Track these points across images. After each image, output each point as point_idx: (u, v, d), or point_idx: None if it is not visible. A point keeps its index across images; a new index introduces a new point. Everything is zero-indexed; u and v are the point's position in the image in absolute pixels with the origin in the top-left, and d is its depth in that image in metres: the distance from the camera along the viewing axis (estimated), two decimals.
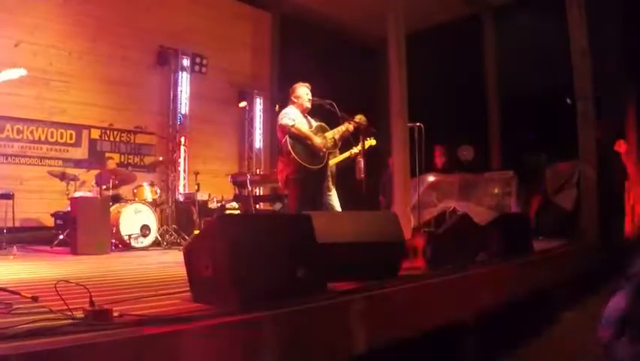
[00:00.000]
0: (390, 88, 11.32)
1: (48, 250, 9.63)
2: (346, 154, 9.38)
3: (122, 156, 13.58)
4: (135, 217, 10.28)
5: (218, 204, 12.10)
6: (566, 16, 11.64)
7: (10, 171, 11.65)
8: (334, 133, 7.30)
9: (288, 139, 7.22)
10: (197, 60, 14.89)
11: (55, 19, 12.45)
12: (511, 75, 15.23)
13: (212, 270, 3.63)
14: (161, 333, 2.75)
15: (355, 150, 9.49)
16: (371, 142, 9.61)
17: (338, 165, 8.77)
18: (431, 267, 5.54)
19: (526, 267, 7.06)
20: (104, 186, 10.59)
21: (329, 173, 7.56)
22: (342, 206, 7.87)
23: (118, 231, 9.96)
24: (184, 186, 14.32)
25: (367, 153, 9.29)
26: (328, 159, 7.35)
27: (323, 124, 7.49)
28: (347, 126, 7.34)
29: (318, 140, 7.23)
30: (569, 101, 12.55)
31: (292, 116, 7.30)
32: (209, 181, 12.65)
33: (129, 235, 10.07)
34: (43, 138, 12.27)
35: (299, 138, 7.19)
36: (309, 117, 7.56)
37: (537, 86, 13.67)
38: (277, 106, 8.31)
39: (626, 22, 12.17)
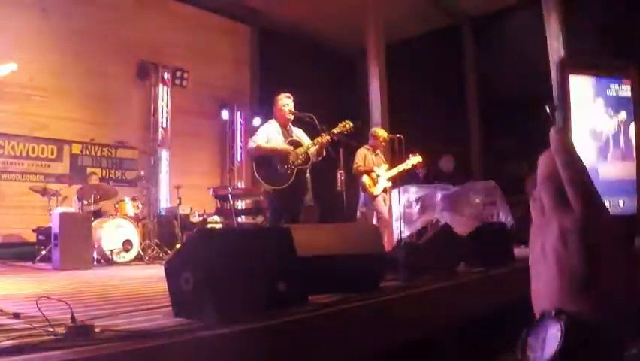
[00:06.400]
0: (370, 99, 11.38)
1: (30, 266, 9.60)
2: (400, 168, 9.54)
3: (104, 171, 13.55)
4: (117, 232, 10.25)
5: (200, 218, 12.10)
6: (545, 26, 11.73)
7: None
8: (307, 148, 7.28)
9: (253, 162, 7.33)
10: (178, 74, 14.91)
11: (36, 34, 12.43)
12: (491, 85, 15.34)
13: (192, 284, 3.65)
14: (142, 348, 2.76)
15: (410, 162, 9.67)
16: (418, 159, 9.78)
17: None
18: (411, 278, 5.56)
19: (508, 276, 7.09)
20: (85, 202, 10.56)
21: (308, 186, 7.56)
22: (321, 218, 7.94)
23: (100, 246, 9.93)
24: (166, 200, 14.32)
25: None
26: (299, 174, 7.27)
27: (299, 137, 7.48)
28: (322, 138, 7.28)
29: (284, 151, 7.23)
30: (547, 109, 12.64)
31: (261, 136, 7.36)
32: (190, 195, 12.64)
33: (111, 250, 10.04)
34: (24, 154, 12.25)
35: (264, 159, 7.23)
36: (291, 128, 7.56)
37: (518, 94, 13.77)
38: (259, 120, 8.36)
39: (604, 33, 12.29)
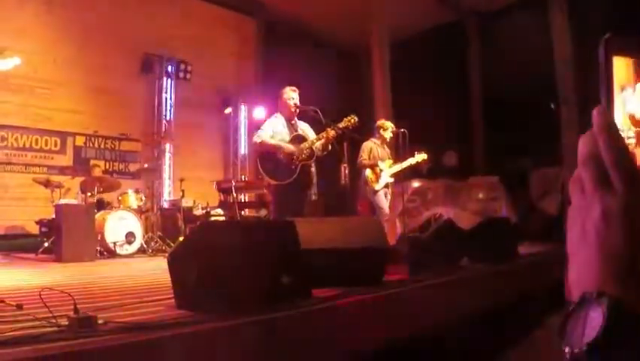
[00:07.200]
0: (375, 94, 11.36)
1: (33, 258, 9.58)
2: (405, 164, 9.53)
3: (107, 163, 13.55)
4: (120, 224, 10.22)
5: (203, 211, 12.08)
6: (549, 24, 11.70)
7: None
8: (311, 143, 7.24)
9: (258, 156, 7.31)
10: (182, 67, 14.87)
11: (40, 27, 12.42)
12: (495, 81, 15.31)
13: (195, 277, 3.64)
14: (144, 340, 2.76)
15: (415, 159, 9.66)
16: (423, 156, 9.77)
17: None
18: (414, 273, 5.55)
19: (511, 272, 7.08)
20: (88, 193, 10.55)
21: (313, 181, 7.51)
22: (325, 212, 7.91)
23: (103, 238, 9.90)
24: (169, 192, 14.30)
25: (416, 167, 9.63)
26: (303, 169, 7.23)
27: (304, 131, 7.46)
28: (328, 133, 7.24)
29: (289, 151, 7.22)
30: (552, 106, 12.63)
31: (266, 130, 7.33)
32: (194, 188, 12.62)
33: (114, 243, 10.01)
34: (27, 145, 12.25)
35: (268, 154, 7.21)
36: (297, 122, 7.53)
37: (522, 91, 13.75)
38: (262, 111, 8.33)
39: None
